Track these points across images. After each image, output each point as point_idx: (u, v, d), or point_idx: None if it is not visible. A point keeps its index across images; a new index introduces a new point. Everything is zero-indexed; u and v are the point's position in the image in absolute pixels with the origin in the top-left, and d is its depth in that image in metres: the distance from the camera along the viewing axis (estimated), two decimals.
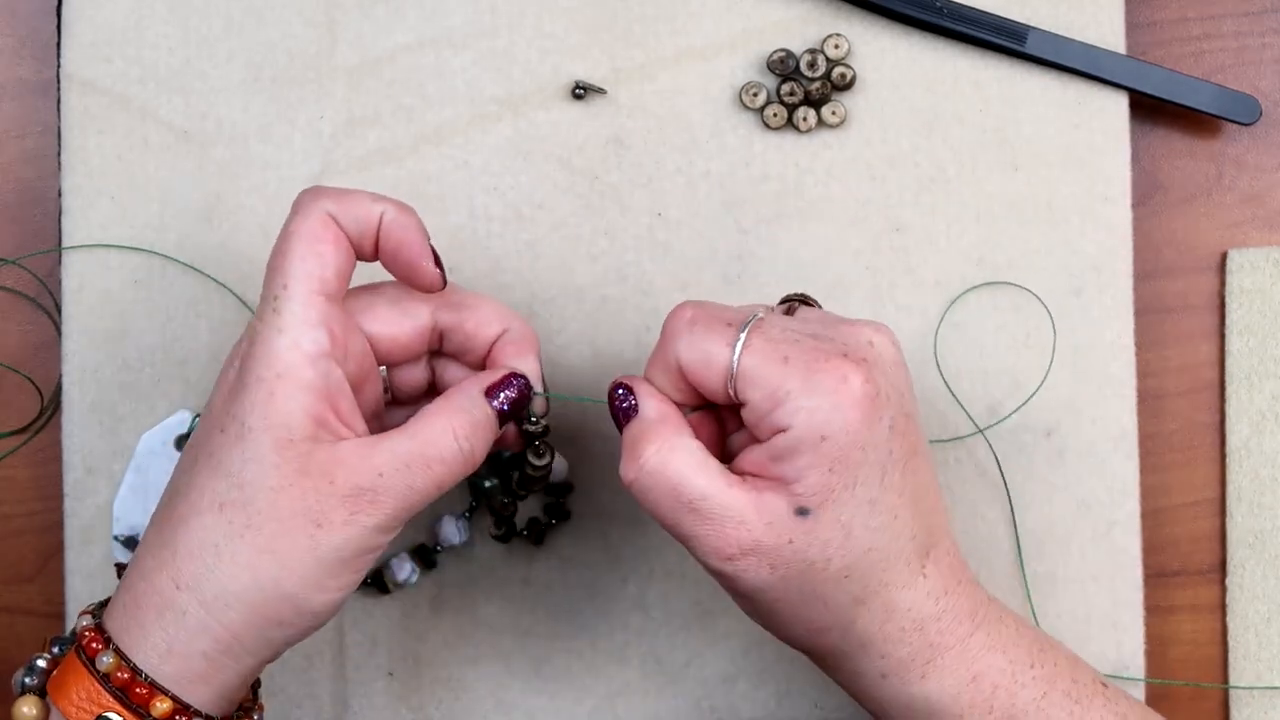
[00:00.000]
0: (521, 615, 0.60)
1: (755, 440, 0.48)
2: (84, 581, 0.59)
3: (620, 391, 0.50)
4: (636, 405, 0.49)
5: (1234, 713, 0.61)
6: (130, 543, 0.59)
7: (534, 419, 0.52)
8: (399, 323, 0.50)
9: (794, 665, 0.60)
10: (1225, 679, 0.61)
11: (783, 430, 0.47)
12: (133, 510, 0.58)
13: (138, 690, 0.46)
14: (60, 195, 0.60)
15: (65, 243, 0.59)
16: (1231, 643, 0.61)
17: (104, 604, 0.49)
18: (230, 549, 0.46)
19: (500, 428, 0.50)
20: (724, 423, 0.52)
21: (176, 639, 0.46)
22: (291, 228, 0.48)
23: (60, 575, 0.60)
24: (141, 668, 0.46)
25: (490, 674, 0.60)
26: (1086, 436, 0.60)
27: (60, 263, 0.60)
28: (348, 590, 0.48)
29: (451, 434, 0.48)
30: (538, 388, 0.51)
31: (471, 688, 0.60)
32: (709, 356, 0.48)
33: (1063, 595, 0.60)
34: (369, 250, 0.49)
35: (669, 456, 0.48)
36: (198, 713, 0.47)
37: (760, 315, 0.49)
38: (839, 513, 0.47)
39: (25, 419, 0.61)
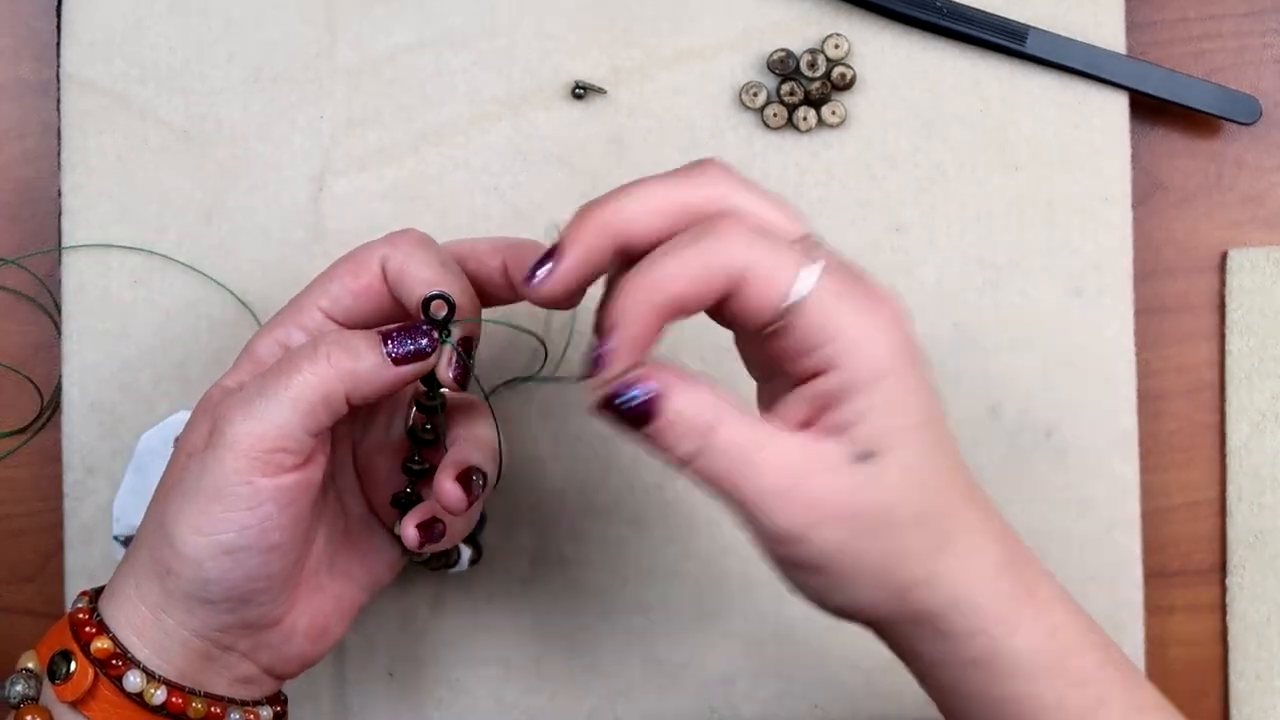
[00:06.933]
0: (521, 615, 0.60)
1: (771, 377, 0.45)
2: (84, 582, 0.59)
3: (635, 394, 0.42)
4: (655, 393, 0.42)
5: (1234, 712, 0.61)
6: (130, 543, 0.59)
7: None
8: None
9: (794, 665, 0.60)
10: (1225, 679, 0.61)
11: (830, 370, 0.42)
12: (132, 510, 0.58)
13: (87, 629, 0.47)
14: (60, 195, 0.60)
15: (65, 243, 0.59)
16: (1231, 643, 0.61)
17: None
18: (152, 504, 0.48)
19: (403, 368, 0.46)
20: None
21: (118, 586, 0.47)
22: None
23: (60, 575, 0.60)
24: (100, 610, 0.47)
25: (490, 674, 0.60)
26: (1086, 437, 0.60)
27: (60, 263, 0.60)
28: (217, 537, 0.45)
29: (309, 356, 0.45)
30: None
31: (471, 688, 0.60)
32: (776, 274, 0.42)
33: None
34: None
35: (733, 433, 0.42)
36: (136, 663, 0.46)
37: (813, 237, 0.44)
38: (903, 456, 0.42)
39: (25, 419, 0.61)
